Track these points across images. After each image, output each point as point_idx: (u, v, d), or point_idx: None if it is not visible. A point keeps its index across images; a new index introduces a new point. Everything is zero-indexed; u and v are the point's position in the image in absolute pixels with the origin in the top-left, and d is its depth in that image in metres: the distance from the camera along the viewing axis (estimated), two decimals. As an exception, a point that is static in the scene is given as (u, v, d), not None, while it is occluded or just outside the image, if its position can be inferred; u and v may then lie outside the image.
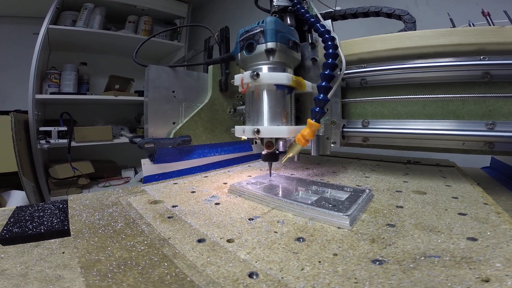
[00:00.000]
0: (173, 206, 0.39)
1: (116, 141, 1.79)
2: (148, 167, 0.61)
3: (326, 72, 0.39)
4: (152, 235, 0.30)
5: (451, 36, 0.44)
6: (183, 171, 0.64)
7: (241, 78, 0.42)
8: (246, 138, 0.46)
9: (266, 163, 0.47)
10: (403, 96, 0.50)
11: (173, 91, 0.67)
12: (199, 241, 0.28)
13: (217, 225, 0.32)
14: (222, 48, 0.74)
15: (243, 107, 0.73)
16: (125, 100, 1.91)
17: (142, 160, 0.62)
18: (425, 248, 0.25)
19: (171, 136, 0.64)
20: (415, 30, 0.57)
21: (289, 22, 0.53)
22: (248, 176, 0.57)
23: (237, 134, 0.45)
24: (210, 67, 0.72)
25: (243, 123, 0.78)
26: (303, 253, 0.25)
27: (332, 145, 0.54)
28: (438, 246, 0.26)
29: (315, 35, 0.50)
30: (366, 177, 0.54)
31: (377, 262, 0.23)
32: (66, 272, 0.25)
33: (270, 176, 0.47)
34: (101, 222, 0.34)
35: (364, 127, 0.55)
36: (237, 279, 0.22)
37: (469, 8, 0.62)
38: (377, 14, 0.54)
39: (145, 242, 0.28)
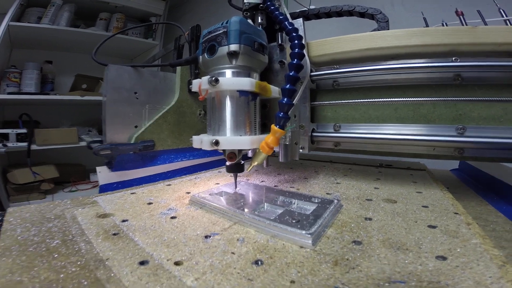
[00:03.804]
0: (123, 221, 0.34)
1: (82, 143, 1.68)
2: (104, 175, 0.55)
3: (291, 74, 0.36)
4: (89, 255, 0.26)
5: (423, 36, 0.43)
6: (146, 179, 0.59)
7: (198, 84, 0.38)
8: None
9: None
10: (375, 100, 0.48)
11: (136, 93, 0.61)
12: (142, 263, 0.25)
13: (167, 243, 0.28)
14: (193, 47, 0.69)
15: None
16: (93, 101, 1.79)
17: (97, 168, 0.56)
18: (390, 271, 0.23)
19: (132, 141, 0.58)
20: (388, 29, 0.56)
21: (260, 20, 0.50)
22: (216, 184, 0.53)
23: (195, 145, 0.40)
24: (178, 68, 0.67)
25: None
26: (258, 280, 0.22)
27: (301, 150, 0.51)
28: (404, 268, 0.23)
29: (284, 36, 0.46)
30: (337, 183, 0.52)
31: None
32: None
33: (236, 188, 0.44)
34: (35, 238, 0.29)
35: (335, 131, 0.53)
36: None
37: (444, 9, 0.61)
38: (350, 13, 0.52)
39: (79, 263, 0.25)
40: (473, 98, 0.41)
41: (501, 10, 0.43)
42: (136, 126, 0.61)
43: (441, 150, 0.44)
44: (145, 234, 0.30)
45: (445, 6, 0.57)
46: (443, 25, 0.51)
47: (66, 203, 0.42)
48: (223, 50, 0.38)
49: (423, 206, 0.38)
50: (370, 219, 0.34)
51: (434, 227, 0.31)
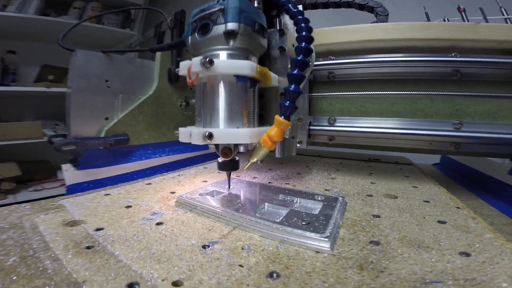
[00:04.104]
0: (97, 230, 0.28)
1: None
2: (72, 173, 0.47)
3: (299, 58, 0.32)
4: (58, 277, 0.20)
5: (426, 30, 0.42)
6: (121, 178, 0.52)
7: (188, 66, 0.32)
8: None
9: None
10: (372, 92, 0.47)
11: (107, 80, 0.53)
12: (130, 286, 0.20)
13: (158, 258, 0.23)
14: (175, 33, 0.62)
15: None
16: (60, 92, 1.62)
17: (63, 165, 0.47)
18: (421, 271, 0.21)
19: (102, 135, 0.50)
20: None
21: (256, 4, 0.45)
22: (203, 181, 0.48)
23: (182, 139, 0.35)
24: (158, 54, 0.60)
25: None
26: (280, 298, 0.19)
27: (298, 145, 0.48)
28: (434, 268, 0.22)
29: (284, 21, 0.42)
30: (332, 178, 0.50)
31: None
32: None
33: (229, 188, 0.39)
34: (-18, 256, 0.23)
35: (330, 125, 0.51)
36: None
37: (446, 4, 0.62)
38: (349, 5, 0.50)
39: (47, 287, 0.19)
40: (470, 94, 0.42)
41: (502, 9, 0.44)
42: (107, 118, 0.53)
43: (437, 144, 0.44)
44: (128, 246, 0.25)
45: (446, 3, 0.57)
46: (444, 20, 0.51)
47: (25, 208, 0.34)
48: (219, 29, 0.33)
49: (424, 201, 0.37)
50: (378, 216, 0.32)
51: (444, 222, 0.30)
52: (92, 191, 0.42)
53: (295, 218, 0.29)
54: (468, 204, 0.43)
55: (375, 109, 0.49)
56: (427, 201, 0.37)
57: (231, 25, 0.32)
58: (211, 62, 0.30)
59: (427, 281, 0.20)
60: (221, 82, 0.34)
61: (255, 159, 0.35)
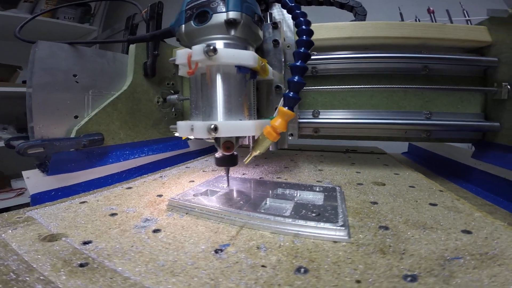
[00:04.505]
0: (84, 243, 0.25)
1: (-3, 144, 1.29)
2: (35, 181, 0.40)
3: (301, 50, 0.32)
4: None
5: (401, 29, 0.45)
6: (95, 182, 0.46)
7: (188, 55, 0.29)
8: (192, 138, 0.35)
9: (212, 162, 0.36)
10: (352, 86, 0.49)
11: (75, 75, 0.46)
12: None
13: (170, 270, 0.20)
14: (152, 26, 0.57)
15: (175, 96, 0.59)
16: (7, 92, 1.41)
17: (24, 172, 0.39)
18: (438, 250, 0.23)
19: (73, 135, 0.44)
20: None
21: None
22: (190, 181, 0.45)
23: (182, 134, 0.32)
24: (132, 47, 0.54)
25: (175, 116, 0.64)
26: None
27: (290, 137, 0.48)
28: (447, 246, 0.23)
29: (275, 15, 0.42)
30: (319, 170, 0.51)
31: (409, 278, 0.19)
32: None
33: (228, 185, 0.37)
34: None
35: (314, 117, 0.52)
36: None
37: (418, 5, 0.67)
38: (330, 3, 0.51)
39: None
40: (437, 87, 0.46)
41: (464, 11, 0.49)
42: (76, 117, 0.46)
43: (412, 133, 0.48)
44: (129, 260, 0.22)
45: (417, 5, 0.62)
46: (416, 20, 0.56)
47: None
48: (219, 17, 0.31)
49: (410, 187, 0.40)
50: (376, 203, 0.34)
51: (435, 205, 0.33)
52: (63, 199, 0.37)
53: (304, 211, 0.29)
54: (444, 187, 0.47)
55: (356, 102, 0.51)
56: (413, 186, 0.40)
57: (233, 14, 0.31)
58: (214, 50, 0.28)
59: (448, 258, 0.21)
60: (221, 72, 0.32)
61: (258, 152, 0.34)
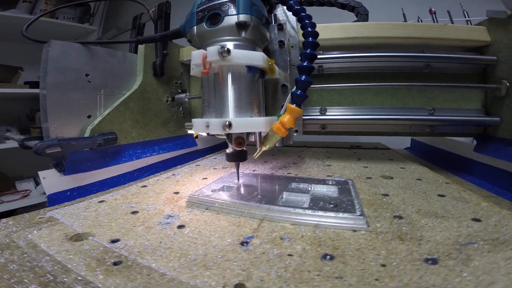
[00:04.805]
0: (112, 241, 0.25)
1: (0, 146, 1.28)
2: (52, 181, 0.41)
3: (308, 51, 0.33)
4: None
5: (404, 29, 0.47)
6: (108, 182, 0.46)
7: (203, 55, 0.31)
8: (206, 134, 0.36)
9: (221, 160, 0.37)
10: (357, 84, 0.51)
11: (87, 75, 0.47)
12: None
13: (203, 264, 0.21)
14: (160, 25, 0.57)
15: (183, 95, 0.60)
16: (9, 94, 1.39)
17: (40, 173, 0.40)
18: (452, 236, 0.24)
19: (87, 135, 0.44)
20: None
21: None
22: (203, 179, 0.46)
23: (197, 130, 0.33)
24: (141, 47, 0.55)
25: (183, 115, 0.65)
26: (347, 275, 0.19)
27: (295, 134, 0.50)
28: (460, 232, 0.25)
29: (279, 16, 0.43)
30: (327, 165, 0.53)
31: (430, 262, 0.21)
32: None
33: (239, 180, 0.39)
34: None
35: (322, 114, 0.54)
36: None
37: (418, 5, 0.69)
38: (331, 4, 0.53)
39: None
40: (439, 84, 0.48)
41: (464, 12, 0.52)
42: (89, 116, 0.46)
43: (416, 128, 0.50)
44: (161, 256, 0.22)
45: (421, 3, 0.64)
46: (418, 21, 0.58)
47: (7, 224, 0.29)
48: (231, 19, 0.32)
49: (417, 179, 0.42)
50: (387, 195, 0.35)
51: (443, 196, 0.35)
52: (81, 199, 0.37)
53: (322, 203, 0.30)
54: (449, 180, 0.49)
55: (361, 99, 0.53)
56: (420, 179, 0.42)
57: (243, 17, 0.32)
58: (228, 52, 0.29)
59: (463, 243, 0.23)
60: (232, 72, 0.33)
61: (267, 147, 0.35)
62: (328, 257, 0.22)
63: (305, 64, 0.34)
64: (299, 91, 0.34)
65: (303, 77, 0.34)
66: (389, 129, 0.52)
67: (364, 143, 0.76)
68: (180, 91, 0.62)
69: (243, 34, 0.33)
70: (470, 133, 0.50)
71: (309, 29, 0.35)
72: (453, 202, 0.32)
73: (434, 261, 0.20)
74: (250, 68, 0.33)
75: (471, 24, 0.52)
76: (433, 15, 0.55)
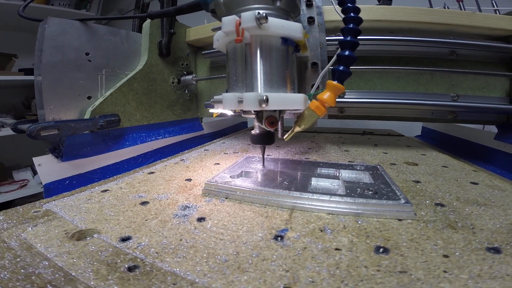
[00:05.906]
0: (123, 240, 0.21)
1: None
2: (48, 168, 0.36)
3: (351, 26, 0.30)
4: None
5: (430, 15, 0.46)
6: (111, 168, 0.42)
7: (236, 21, 0.26)
8: (232, 112, 0.32)
9: (230, 144, 0.34)
10: (378, 67, 0.48)
11: (87, 54, 0.42)
12: None
13: (237, 265, 0.18)
14: (167, 3, 0.52)
15: (190, 77, 0.55)
16: (4, 81, 1.33)
17: (35, 159, 0.35)
18: (504, 224, 0.23)
19: (87, 117, 0.39)
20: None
21: None
22: (216, 164, 0.43)
23: (228, 107, 0.29)
24: (146, 25, 0.50)
25: (189, 98, 0.60)
26: (411, 268, 0.17)
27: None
28: (509, 220, 0.23)
29: None
30: (345, 150, 0.50)
31: (492, 251, 0.19)
32: None
33: (264, 166, 0.36)
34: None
35: (340, 97, 0.51)
36: None
37: None
38: None
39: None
40: (465, 71, 0.46)
41: (493, 1, 0.50)
42: (89, 97, 0.42)
43: (438, 113, 0.48)
44: (184, 258, 0.19)
45: None
46: (444, 7, 0.56)
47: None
48: None
49: (443, 166, 0.40)
50: (418, 181, 0.34)
51: (476, 183, 0.33)
52: (82, 188, 0.33)
53: (359, 189, 0.28)
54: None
55: (382, 83, 0.50)
56: (446, 166, 0.40)
57: None
58: (266, 18, 0.25)
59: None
60: (267, 44, 0.29)
61: (302, 127, 0.32)
62: (381, 249, 0.20)
63: (348, 39, 0.30)
64: (342, 66, 0.30)
65: (347, 52, 0.30)
66: (410, 114, 0.50)
67: (374, 129, 0.74)
68: (186, 72, 0.57)
69: (278, 3, 0.29)
70: (493, 120, 0.48)
71: (349, 4, 0.31)
72: (489, 190, 0.31)
73: (497, 250, 0.19)
74: (286, 40, 0.30)
75: (499, 13, 0.50)
76: (460, 2, 0.53)
